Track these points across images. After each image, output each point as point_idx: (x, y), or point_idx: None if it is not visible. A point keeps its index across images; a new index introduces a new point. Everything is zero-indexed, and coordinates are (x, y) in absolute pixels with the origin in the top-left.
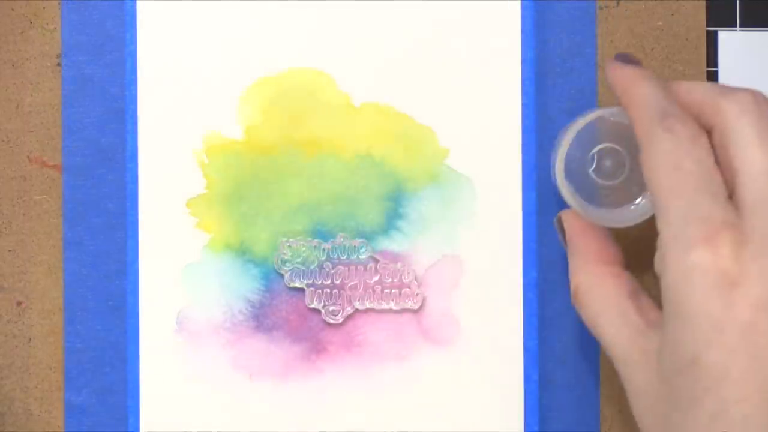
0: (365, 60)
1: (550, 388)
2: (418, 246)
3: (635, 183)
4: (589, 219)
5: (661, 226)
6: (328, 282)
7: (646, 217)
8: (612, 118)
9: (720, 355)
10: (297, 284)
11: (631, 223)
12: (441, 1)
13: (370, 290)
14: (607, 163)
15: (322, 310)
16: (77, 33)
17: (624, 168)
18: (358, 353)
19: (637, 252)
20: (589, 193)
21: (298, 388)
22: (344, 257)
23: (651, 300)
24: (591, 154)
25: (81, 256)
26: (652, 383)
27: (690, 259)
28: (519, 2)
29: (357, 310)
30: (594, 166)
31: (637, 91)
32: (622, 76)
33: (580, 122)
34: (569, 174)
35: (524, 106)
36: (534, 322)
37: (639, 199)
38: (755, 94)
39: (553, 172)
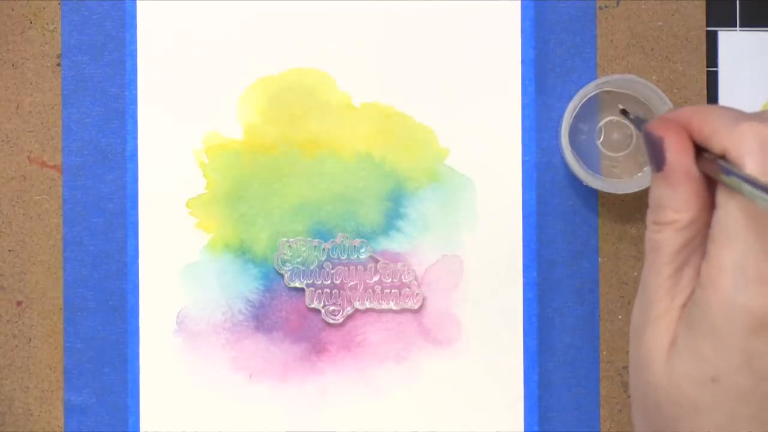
0: (365, 60)
1: (550, 388)
2: (418, 246)
3: (641, 153)
4: (593, 187)
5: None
6: (328, 282)
7: (649, 184)
8: (616, 90)
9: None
10: (297, 284)
11: (633, 191)
12: (441, 1)
13: (370, 290)
14: (615, 135)
15: (322, 310)
16: (77, 33)
17: (630, 140)
18: (358, 353)
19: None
20: (597, 165)
21: (298, 389)
22: (344, 257)
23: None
24: (598, 126)
25: (81, 256)
26: (661, 372)
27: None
28: (519, 2)
29: (357, 310)
30: (602, 138)
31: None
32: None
33: (583, 93)
34: (578, 146)
35: (524, 106)
36: (534, 322)
37: (644, 167)
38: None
39: (560, 144)
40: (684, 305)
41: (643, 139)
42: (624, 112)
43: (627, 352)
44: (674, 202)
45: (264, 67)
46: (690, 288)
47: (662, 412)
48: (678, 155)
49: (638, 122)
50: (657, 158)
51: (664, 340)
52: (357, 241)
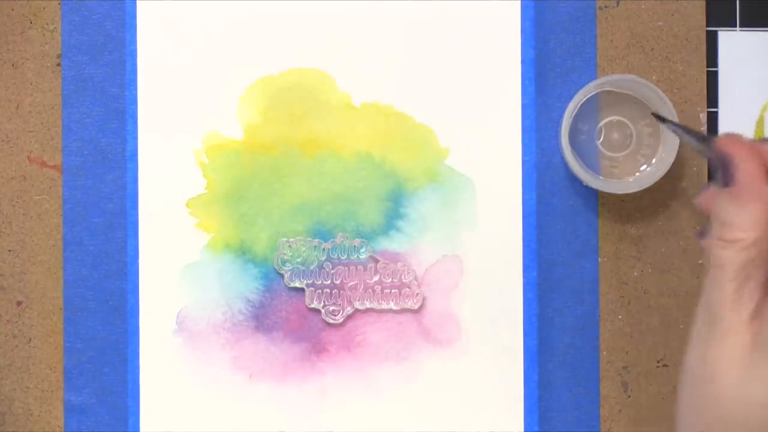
0: (365, 60)
1: (550, 388)
2: (418, 246)
3: (641, 153)
4: (593, 187)
5: None
6: (328, 282)
7: (649, 184)
8: (616, 90)
9: None
10: (297, 284)
11: (633, 191)
12: (441, 1)
13: (370, 290)
14: (615, 135)
15: (322, 310)
16: (77, 33)
17: (630, 140)
18: (358, 353)
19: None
20: (597, 165)
21: (298, 389)
22: (344, 257)
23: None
24: (598, 126)
25: (81, 256)
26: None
27: None
28: (519, 2)
29: (357, 310)
30: (602, 138)
31: None
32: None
33: (583, 93)
34: (578, 147)
35: (524, 106)
36: (534, 322)
37: (644, 167)
38: None
39: (560, 144)
40: (751, 318)
41: (714, 154)
42: (659, 117)
43: (627, 352)
44: (741, 221)
45: (264, 67)
46: (754, 301)
47: (728, 428)
48: (749, 175)
49: (672, 126)
50: (726, 174)
51: (735, 357)
52: (357, 241)
